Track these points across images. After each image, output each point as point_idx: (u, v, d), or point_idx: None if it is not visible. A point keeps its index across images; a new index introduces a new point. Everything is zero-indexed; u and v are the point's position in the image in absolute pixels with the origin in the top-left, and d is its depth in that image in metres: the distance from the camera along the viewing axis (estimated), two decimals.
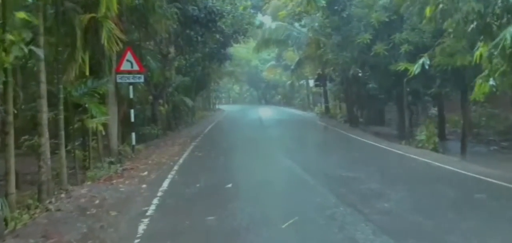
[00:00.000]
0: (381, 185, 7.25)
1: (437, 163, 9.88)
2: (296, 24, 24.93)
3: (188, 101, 24.14)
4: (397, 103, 19.23)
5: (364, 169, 8.88)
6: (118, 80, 12.44)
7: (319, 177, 8.05)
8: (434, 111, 20.51)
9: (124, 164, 11.48)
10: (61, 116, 8.59)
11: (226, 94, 70.60)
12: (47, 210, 6.81)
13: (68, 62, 8.93)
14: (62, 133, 8.63)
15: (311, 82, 43.61)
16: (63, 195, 7.75)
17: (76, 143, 12.29)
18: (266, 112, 35.74)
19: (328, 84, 29.36)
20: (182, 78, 23.12)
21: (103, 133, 10.50)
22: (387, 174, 8.55)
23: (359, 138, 16.36)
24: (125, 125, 14.33)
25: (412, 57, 14.62)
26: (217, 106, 49.54)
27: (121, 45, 10.50)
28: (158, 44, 19.30)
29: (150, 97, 19.87)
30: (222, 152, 12.73)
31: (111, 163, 12.06)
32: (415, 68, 12.55)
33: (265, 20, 30.38)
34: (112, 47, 10.04)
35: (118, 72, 12.39)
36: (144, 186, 8.09)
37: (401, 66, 14.54)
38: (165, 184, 8.07)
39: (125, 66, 12.40)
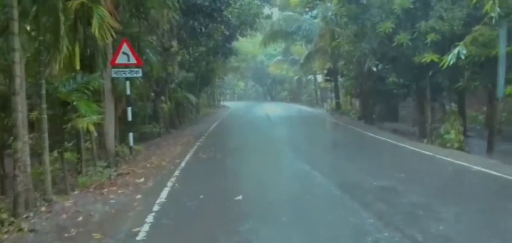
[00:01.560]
0: (424, 198, 5.94)
1: (477, 167, 8.54)
2: (306, 16, 23.60)
3: (192, 97, 22.98)
4: (417, 99, 17.88)
5: (396, 176, 7.58)
6: (113, 75, 11.24)
7: (346, 187, 6.73)
8: (451, 106, 19.17)
9: (120, 167, 10.30)
10: (44, 116, 7.39)
11: (231, 91, 69.45)
12: (20, 229, 5.62)
13: (52, 54, 7.71)
14: (45, 135, 7.43)
15: (320, 77, 42.37)
16: (43, 208, 6.56)
17: (69, 144, 11.24)
18: (273, 109, 34.38)
19: (340, 79, 28.00)
20: (185, 74, 21.94)
21: (95, 133, 9.26)
22: (426, 183, 7.22)
23: (378, 137, 15.04)
24: (124, 124, 13.18)
25: (439, 48, 13.40)
26: (221, 103, 48.26)
27: (114, 35, 9.32)
28: (160, 37, 18.07)
29: (152, 94, 18.68)
30: (228, 154, 11.48)
31: (106, 166, 10.93)
32: (450, 59, 11.29)
33: (273, 12, 28.88)
34: (104, 37, 8.84)
35: (114, 65, 11.16)
36: (138, 196, 6.85)
37: (427, 57, 13.30)
38: (164, 194, 6.83)
39: (121, 59, 11.17)
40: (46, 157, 7.42)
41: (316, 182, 7.33)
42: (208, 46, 20.87)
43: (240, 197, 6.25)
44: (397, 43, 14.01)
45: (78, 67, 9.67)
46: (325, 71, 35.18)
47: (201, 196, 6.47)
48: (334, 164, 9.35)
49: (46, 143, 7.41)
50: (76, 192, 7.64)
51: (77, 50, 9.76)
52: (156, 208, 5.97)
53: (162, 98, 19.49)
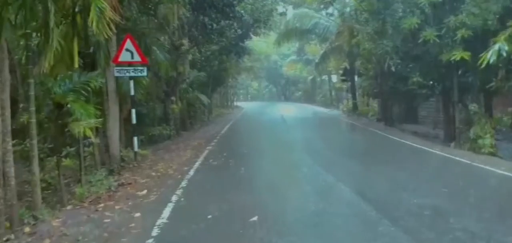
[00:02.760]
0: (482, 223, 4.83)
1: None
2: (322, 12, 22.48)
3: (204, 98, 22.10)
4: (442, 100, 16.65)
5: (437, 190, 6.50)
6: (116, 74, 10.38)
7: (381, 205, 5.63)
8: (473, 107, 17.89)
9: (123, 176, 9.40)
10: (33, 120, 6.52)
11: (244, 91, 68.58)
12: None
13: (42, 49, 6.85)
14: (34, 142, 6.56)
15: (335, 78, 41.13)
16: (28, 229, 5.67)
17: (72, 149, 10.44)
18: (287, 110, 33.29)
19: (356, 79, 26.79)
20: (197, 73, 21.05)
21: (94, 139, 8.37)
22: (476, 200, 6.00)
23: (403, 140, 13.94)
24: (130, 126, 12.34)
25: (469, 45, 12.22)
26: (235, 103, 47.35)
27: (114, 29, 8.42)
28: (170, 35, 17.21)
29: (163, 94, 17.83)
30: (242, 161, 10.50)
31: (110, 172, 10.09)
32: (489, 57, 10.13)
33: (287, 9, 27.73)
34: (104, 31, 7.94)
35: (117, 63, 10.29)
36: (137, 215, 5.91)
37: (456, 55, 12.14)
38: (166, 212, 5.87)
39: (124, 56, 10.29)
40: (35, 167, 6.54)
41: (344, 198, 6.24)
42: (221, 44, 19.93)
43: (255, 218, 5.25)
44: (423, 39, 12.85)
45: (76, 65, 8.90)
46: (340, 71, 34.05)
47: (209, 216, 5.48)
48: (361, 174, 8.21)
49: (35, 151, 6.53)
50: (69, 207, 6.75)
51: (75, 46, 8.99)
52: (155, 232, 5.02)
53: (173, 98, 18.65)
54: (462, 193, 6.51)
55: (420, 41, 12.85)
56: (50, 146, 8.95)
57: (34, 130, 6.55)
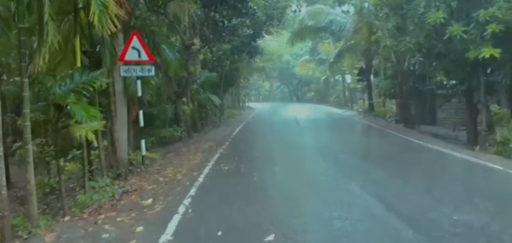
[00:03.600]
0: None
1: None
2: (338, 9, 21.65)
3: (215, 99, 21.51)
4: (466, 100, 15.74)
5: (478, 204, 5.70)
6: (122, 73, 9.82)
7: (417, 223, 4.74)
8: (494, 108, 16.92)
9: (129, 181, 8.84)
10: (27, 123, 5.98)
11: (256, 91, 67.92)
12: None
13: (37, 45, 6.29)
14: (29, 147, 6.01)
15: (348, 78, 40.22)
16: None
17: (79, 151, 9.95)
18: (300, 110, 32.50)
19: (372, 79, 25.91)
20: (208, 74, 20.48)
21: (95, 143, 7.80)
22: None
23: (425, 144, 13.09)
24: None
25: (498, 41, 11.35)
26: (246, 104, 46.71)
27: (118, 25, 7.86)
28: (181, 34, 16.65)
29: (173, 95, 17.31)
30: (255, 165, 9.84)
31: (117, 175, 9.59)
32: None
33: (301, 6, 26.91)
34: (106, 27, 7.38)
35: (123, 62, 9.73)
36: (139, 229, 5.29)
37: (485, 52, 11.28)
38: (171, 227, 5.24)
39: (130, 55, 9.71)
40: (30, 174, 5.99)
41: (372, 212, 5.46)
42: (232, 43, 19.31)
43: (271, 237, 4.57)
44: (449, 36, 12.00)
45: (79, 63, 8.38)
46: (354, 70, 33.12)
47: (219, 233, 4.83)
48: (387, 182, 7.40)
49: (30, 156, 5.98)
50: (67, 219, 6.19)
51: (77, 43, 8.47)
52: None
53: (184, 99, 18.12)
54: (507, 207, 5.71)
55: (445, 37, 12.01)
56: (54, 149, 8.59)
57: (28, 134, 6.01)
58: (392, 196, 6.24)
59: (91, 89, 7.66)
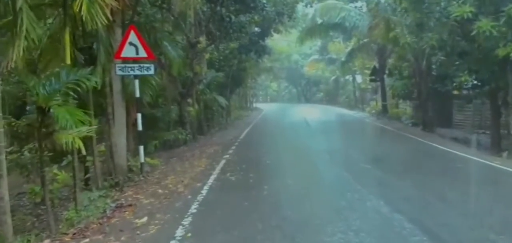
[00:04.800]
0: None
1: None
2: (351, 5, 20.55)
3: (222, 100, 20.64)
4: (491, 101, 14.67)
5: None
6: (118, 72, 8.93)
7: None
8: None
9: (126, 192, 7.95)
10: (0, 129, 5.09)
11: (263, 92, 66.94)
12: None
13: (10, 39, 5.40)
14: (3, 158, 5.13)
15: (359, 78, 39.09)
16: None
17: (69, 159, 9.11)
18: (309, 112, 31.43)
19: (386, 79, 24.82)
20: (214, 74, 19.60)
21: (84, 151, 6.89)
22: None
23: (450, 150, 12.06)
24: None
25: None
26: (254, 105, 45.73)
27: (110, 17, 6.98)
28: (187, 32, 15.76)
29: (178, 96, 16.44)
30: (265, 175, 8.88)
31: (115, 185, 8.75)
32: None
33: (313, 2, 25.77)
34: (97, 20, 6.51)
35: (118, 60, 8.85)
36: None
37: None
38: None
39: (127, 51, 8.82)
40: (4, 189, 5.12)
41: (412, 242, 4.50)
42: (240, 42, 18.36)
43: None
44: (476, 31, 10.96)
45: (68, 60, 7.49)
46: (365, 70, 31.98)
47: None
48: (421, 200, 6.30)
49: (4, 169, 5.10)
50: (45, 242, 5.28)
51: (67, 38, 7.58)
52: None
53: (189, 100, 17.27)
54: None
55: (473, 33, 10.96)
56: (45, 155, 7.77)
57: (2, 142, 5.13)
58: (430, 218, 5.21)
59: (79, 89, 6.80)
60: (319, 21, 23.01)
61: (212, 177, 8.66)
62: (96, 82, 7.40)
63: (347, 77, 42.33)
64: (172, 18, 15.69)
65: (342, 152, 11.79)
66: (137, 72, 9.04)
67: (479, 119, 18.66)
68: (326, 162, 10.42)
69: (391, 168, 9.15)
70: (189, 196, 7.09)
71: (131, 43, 8.73)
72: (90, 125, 8.75)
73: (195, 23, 16.14)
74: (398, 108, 24.75)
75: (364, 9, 21.83)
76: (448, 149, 12.11)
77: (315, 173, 9.34)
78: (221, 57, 21.64)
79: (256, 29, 19.44)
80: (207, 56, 19.91)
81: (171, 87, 16.61)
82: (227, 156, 11.69)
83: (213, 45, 18.45)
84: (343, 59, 30.08)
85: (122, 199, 7.33)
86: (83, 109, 9.15)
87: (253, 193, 7.18)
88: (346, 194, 6.71)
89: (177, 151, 14.13)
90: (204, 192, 7.33)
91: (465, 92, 17.44)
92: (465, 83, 13.84)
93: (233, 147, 13.59)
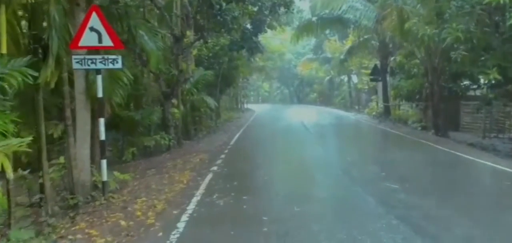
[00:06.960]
0: None
1: None
2: None
3: (211, 101, 18.73)
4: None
5: None
6: (75, 66, 6.94)
7: None
8: None
9: (76, 225, 5.98)
10: None
11: (254, 93, 65.10)
12: None
13: None
14: None
15: (355, 78, 37.52)
16: None
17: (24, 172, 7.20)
18: (305, 114, 29.55)
19: (388, 78, 23.14)
20: (203, 72, 17.65)
21: (9, 174, 4.90)
22: None
23: (476, 159, 10.37)
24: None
25: None
26: (245, 106, 43.82)
27: None
28: (172, 24, 13.82)
29: (161, 96, 14.51)
30: (263, 199, 6.95)
31: (71, 207, 6.94)
32: None
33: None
34: None
35: (75, 49, 6.88)
36: None
37: None
38: None
39: (87, 39, 6.83)
40: None
41: None
42: (231, 36, 16.45)
43: None
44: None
45: (4, 49, 5.68)
46: (363, 70, 30.43)
47: None
48: (474, 236, 4.54)
49: None
50: None
51: (3, 20, 5.72)
52: None
53: (174, 101, 15.29)
54: None
55: (509, 23, 9.20)
56: None
57: None
58: None
59: (6, 87, 4.87)
60: (318, 14, 21.18)
61: (195, 200, 6.73)
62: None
63: (342, 77, 40.80)
64: (157, 10, 13.79)
65: (355, 165, 9.77)
66: (100, 65, 7.04)
67: (489, 121, 17.12)
68: (338, 179, 8.35)
69: (419, 188, 7.24)
70: (160, 233, 5.14)
71: (92, 29, 6.75)
72: (38, 134, 6.94)
73: (181, 15, 14.19)
74: (400, 110, 23.08)
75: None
76: (477, 159, 10.36)
77: (328, 196, 7.10)
78: (210, 54, 19.81)
79: (249, 27, 17.66)
80: (194, 52, 18.03)
81: (154, 86, 14.68)
82: (215, 167, 9.77)
83: (201, 40, 16.50)
84: (342, 57, 28.33)
85: (70, 236, 5.35)
86: (29, 114, 7.31)
87: (248, 229, 5.22)
88: (375, 225, 4.77)
89: (157, 159, 12.20)
90: (181, 226, 5.39)
91: (478, 93, 15.83)
92: (488, 81, 12.14)
93: (223, 156, 11.67)
